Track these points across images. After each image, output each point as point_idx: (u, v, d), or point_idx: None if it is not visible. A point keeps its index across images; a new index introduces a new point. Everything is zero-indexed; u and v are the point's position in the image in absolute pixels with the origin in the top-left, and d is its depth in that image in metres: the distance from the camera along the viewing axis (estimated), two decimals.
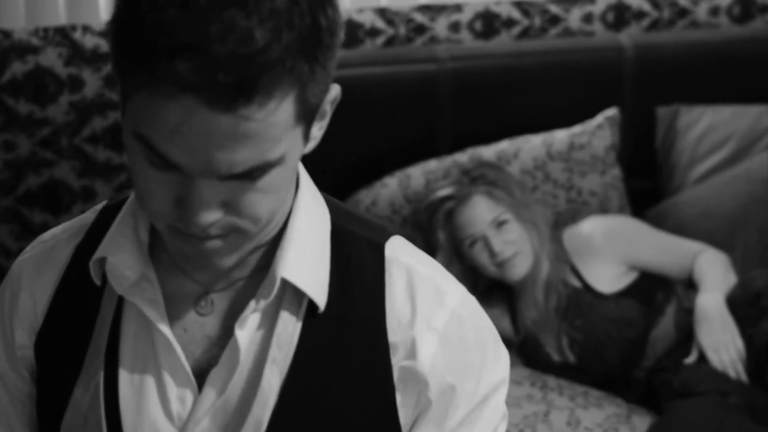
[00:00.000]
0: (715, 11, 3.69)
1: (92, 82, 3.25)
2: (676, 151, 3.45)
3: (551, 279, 2.98)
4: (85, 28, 3.21)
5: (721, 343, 2.83)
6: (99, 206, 1.44)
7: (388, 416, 1.34)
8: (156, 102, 1.11)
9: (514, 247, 2.94)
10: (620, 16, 3.61)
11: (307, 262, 1.31)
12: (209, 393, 1.31)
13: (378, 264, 1.35)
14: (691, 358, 2.86)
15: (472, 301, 1.40)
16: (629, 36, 3.49)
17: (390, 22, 3.42)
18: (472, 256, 2.98)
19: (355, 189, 3.24)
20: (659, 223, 3.25)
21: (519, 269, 2.95)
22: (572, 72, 3.41)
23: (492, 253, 2.94)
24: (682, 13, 3.66)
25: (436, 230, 3.02)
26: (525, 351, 3.04)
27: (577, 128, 3.30)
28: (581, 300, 2.99)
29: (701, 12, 3.67)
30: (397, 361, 1.33)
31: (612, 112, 3.34)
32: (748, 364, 2.81)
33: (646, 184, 3.49)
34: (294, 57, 1.12)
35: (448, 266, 3.04)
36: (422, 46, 3.44)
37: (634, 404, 2.87)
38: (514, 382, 2.89)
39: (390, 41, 3.44)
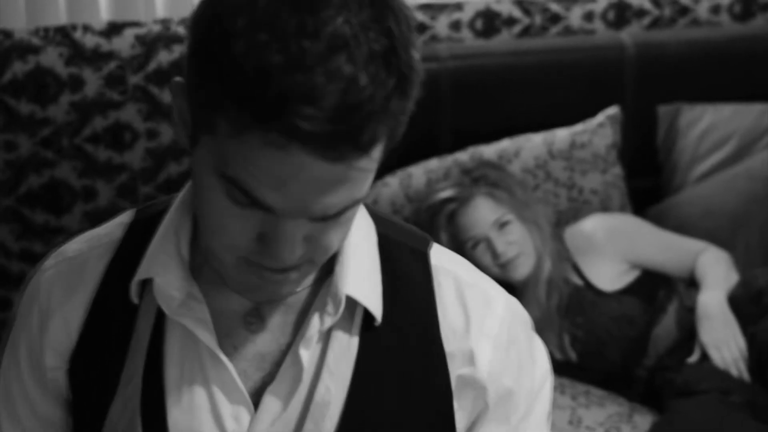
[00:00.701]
0: (716, 9, 3.68)
1: (93, 81, 3.25)
2: (678, 149, 3.45)
3: (553, 277, 2.98)
4: (86, 28, 3.21)
5: (723, 341, 2.83)
6: (123, 219, 1.41)
7: (445, 423, 1.35)
8: (261, 151, 1.09)
9: (517, 248, 2.94)
10: (621, 15, 3.61)
11: (363, 275, 1.31)
12: (268, 410, 1.30)
13: (425, 273, 1.36)
14: (693, 357, 2.86)
15: (515, 302, 1.42)
16: (630, 34, 3.48)
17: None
18: (475, 258, 2.97)
19: None
20: (661, 221, 3.25)
21: (522, 270, 2.95)
22: (573, 70, 3.40)
23: (495, 255, 2.93)
24: (683, 11, 3.66)
25: (438, 232, 3.02)
26: None
27: (578, 127, 3.30)
28: (583, 298, 2.98)
29: (702, 10, 3.67)
30: (455, 369, 1.34)
31: (613, 110, 3.34)
32: (749, 362, 2.81)
33: (648, 182, 3.49)
34: (394, 101, 1.12)
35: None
36: (423, 45, 3.43)
37: (636, 403, 2.87)
38: None
39: None
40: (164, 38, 3.28)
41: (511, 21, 3.51)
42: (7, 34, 3.17)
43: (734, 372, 2.79)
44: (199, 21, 1.14)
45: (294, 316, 1.32)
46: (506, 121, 3.34)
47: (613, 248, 3.04)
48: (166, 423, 1.31)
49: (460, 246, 2.99)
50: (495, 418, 1.37)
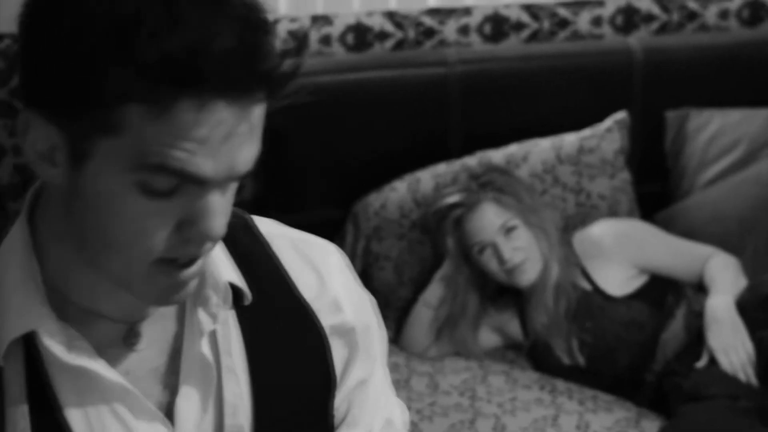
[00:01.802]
0: (724, 14, 3.68)
1: None
2: (686, 154, 3.45)
3: (561, 283, 2.98)
4: None
5: (731, 346, 2.83)
6: None
7: (326, 373, 1.40)
8: (183, 120, 1.09)
9: (523, 254, 2.94)
10: (629, 20, 3.61)
11: (225, 260, 1.33)
12: (186, 419, 1.29)
13: (260, 243, 1.38)
14: (701, 362, 2.86)
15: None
16: (638, 39, 3.49)
17: (399, 25, 3.42)
18: (482, 263, 2.98)
19: (364, 192, 3.24)
20: (669, 226, 3.25)
21: (528, 275, 2.96)
22: (581, 75, 3.40)
23: (501, 260, 2.94)
24: (692, 16, 3.66)
25: (445, 237, 3.03)
26: (535, 355, 3.04)
27: (586, 132, 3.30)
28: (591, 303, 2.99)
29: (710, 15, 3.67)
30: (326, 321, 1.39)
31: (621, 115, 3.34)
32: (758, 368, 2.81)
33: (656, 187, 3.49)
34: (272, 59, 1.13)
35: (457, 271, 3.05)
36: (431, 50, 3.44)
37: (643, 408, 2.87)
38: (523, 386, 2.89)
39: (399, 45, 3.44)
40: None
41: (519, 26, 3.52)
42: (16, 38, 3.16)
43: (742, 377, 2.79)
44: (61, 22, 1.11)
45: (172, 322, 1.31)
46: (514, 126, 3.34)
47: (622, 253, 3.04)
48: None
49: (467, 250, 2.99)
50: (360, 356, 1.43)
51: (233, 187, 1.18)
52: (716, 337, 2.85)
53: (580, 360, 2.95)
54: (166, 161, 1.10)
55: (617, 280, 3.03)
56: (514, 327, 3.09)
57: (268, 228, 1.41)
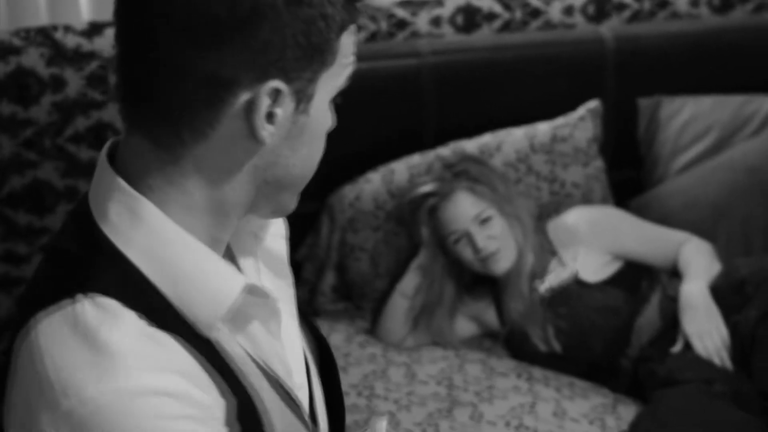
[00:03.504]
0: (695, 2, 3.70)
1: (75, 81, 3.25)
2: (659, 141, 3.47)
3: (536, 270, 2.99)
4: (67, 28, 3.21)
5: (706, 330, 2.84)
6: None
7: None
8: (350, 33, 1.31)
9: (498, 243, 2.95)
10: (601, 8, 3.62)
11: None
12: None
13: None
14: (676, 347, 2.87)
15: None
16: (610, 28, 3.50)
17: (371, 17, 3.42)
18: (457, 252, 2.99)
19: (338, 184, 3.25)
20: (643, 213, 3.27)
21: (502, 264, 2.97)
22: (554, 65, 3.42)
23: (475, 249, 2.95)
24: (663, 4, 3.67)
25: (419, 226, 3.03)
26: (511, 343, 3.06)
27: (559, 120, 3.31)
28: (567, 290, 3.00)
29: (682, 3, 3.68)
30: None
31: (594, 104, 3.35)
32: (732, 352, 2.82)
33: (629, 175, 3.51)
34: None
35: (433, 261, 3.05)
36: (404, 41, 3.44)
37: (620, 394, 2.88)
38: (500, 374, 2.90)
39: (372, 37, 3.44)
40: None
41: (491, 16, 3.52)
42: None
43: (717, 362, 2.80)
44: None
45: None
46: (488, 116, 3.35)
47: (596, 239, 3.06)
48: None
49: (442, 240, 3.00)
50: None
51: None
52: (691, 322, 2.87)
53: (556, 347, 2.96)
54: (353, 66, 1.33)
55: (592, 266, 3.04)
56: (490, 315, 3.10)
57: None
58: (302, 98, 1.26)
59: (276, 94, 1.23)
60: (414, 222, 3.05)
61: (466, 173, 3.00)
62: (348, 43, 1.30)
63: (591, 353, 2.93)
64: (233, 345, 1.28)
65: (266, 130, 1.24)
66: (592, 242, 3.06)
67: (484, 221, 2.96)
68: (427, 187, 3.02)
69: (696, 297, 2.90)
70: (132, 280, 1.22)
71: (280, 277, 1.49)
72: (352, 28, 1.30)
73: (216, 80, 1.20)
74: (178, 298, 1.24)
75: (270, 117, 1.24)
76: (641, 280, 3.03)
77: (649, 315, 2.96)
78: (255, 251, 1.46)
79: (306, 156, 1.32)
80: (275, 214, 1.37)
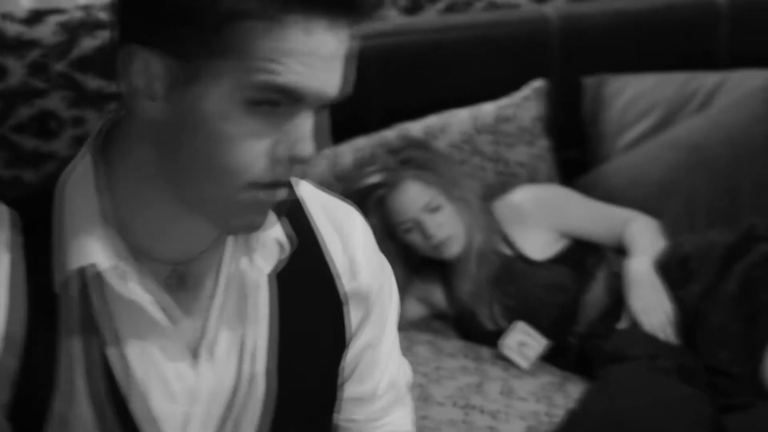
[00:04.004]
0: None
1: (16, 70, 3.23)
2: (603, 120, 3.48)
3: (484, 250, 3.00)
4: (6, 16, 3.18)
5: (651, 306, 2.86)
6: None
7: (340, 335, 1.48)
8: (291, 39, 1.18)
9: (448, 229, 2.96)
10: None
11: (272, 215, 1.38)
12: (210, 363, 1.37)
13: (298, 203, 1.44)
14: (622, 323, 2.89)
15: (359, 213, 1.55)
16: (554, 7, 3.51)
17: None
18: (407, 240, 2.99)
19: None
20: (588, 192, 3.28)
21: (454, 248, 2.98)
22: (498, 45, 3.42)
23: (427, 237, 2.95)
24: None
25: (367, 216, 3.02)
26: (460, 323, 3.07)
27: (503, 101, 3.32)
28: (513, 268, 3.01)
29: None
30: (345, 284, 1.46)
31: (538, 83, 3.36)
32: (678, 326, 2.85)
33: (575, 154, 3.52)
34: None
35: (381, 246, 3.05)
36: None
37: (568, 372, 2.90)
38: (448, 354, 2.91)
39: None
40: (87, 24, 3.26)
41: None
42: None
43: (662, 336, 2.83)
44: None
45: (213, 269, 1.38)
46: (434, 98, 3.35)
47: (542, 218, 3.07)
48: (128, 406, 1.34)
49: (392, 228, 3.00)
50: (370, 321, 1.49)
51: (317, 114, 1.26)
52: (636, 298, 2.89)
53: (504, 324, 2.97)
54: (271, 78, 1.18)
55: (538, 244, 3.06)
56: (439, 296, 3.11)
57: (307, 191, 1.46)
58: (179, 76, 1.20)
59: (138, 57, 1.21)
60: (362, 212, 3.04)
61: (412, 161, 2.99)
62: (266, 47, 1.18)
63: (538, 330, 2.94)
64: (69, 310, 1.31)
65: (140, 93, 1.23)
66: (539, 220, 3.07)
67: (434, 209, 2.96)
68: (373, 178, 3.00)
69: (641, 273, 2.92)
70: (36, 202, 1.33)
71: (239, 320, 1.40)
72: (282, 35, 1.18)
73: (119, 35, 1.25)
74: (57, 239, 1.31)
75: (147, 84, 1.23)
76: (587, 257, 3.04)
77: (596, 292, 2.98)
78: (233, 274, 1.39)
79: (194, 151, 1.24)
80: (213, 218, 1.30)
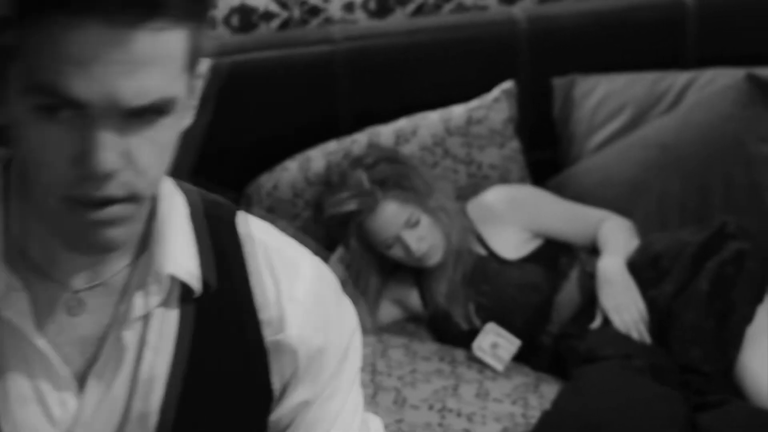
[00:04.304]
0: None
1: None
2: (574, 120, 3.49)
3: (460, 251, 3.01)
4: None
5: (623, 304, 2.87)
6: None
7: (262, 388, 1.39)
8: (60, 38, 1.10)
9: (429, 240, 2.96)
10: None
11: (180, 249, 1.32)
12: (93, 392, 1.31)
13: (235, 243, 1.37)
14: (595, 323, 2.90)
15: (321, 264, 1.45)
16: (522, 9, 3.51)
17: (283, 5, 3.41)
18: (389, 254, 2.99)
19: (255, 174, 3.24)
20: (560, 192, 3.28)
21: (435, 258, 2.99)
22: (468, 47, 3.42)
23: (408, 251, 2.96)
24: None
25: (348, 240, 3.01)
26: (435, 324, 3.07)
27: (474, 103, 3.32)
28: (487, 267, 3.02)
29: None
30: (268, 335, 1.37)
31: (508, 85, 3.36)
32: (650, 325, 2.86)
33: (546, 155, 3.52)
34: None
35: (358, 257, 3.04)
36: (317, 28, 3.43)
37: (542, 372, 2.90)
38: (423, 358, 2.91)
39: (285, 24, 3.43)
40: None
41: (404, 0, 3.52)
42: None
43: (635, 335, 2.84)
44: None
45: (115, 297, 1.31)
46: (404, 101, 3.35)
47: (515, 217, 3.08)
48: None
49: (374, 247, 2.99)
50: (305, 379, 1.40)
51: (148, 130, 1.16)
52: (608, 297, 2.90)
53: (477, 323, 2.98)
54: (41, 79, 1.11)
55: (511, 243, 3.06)
56: (414, 299, 3.11)
57: (249, 229, 1.39)
58: None
59: None
60: (340, 235, 3.03)
61: (386, 181, 2.97)
62: (43, 50, 1.11)
63: (512, 330, 2.95)
64: None
65: None
66: (511, 219, 3.08)
67: (413, 225, 2.95)
68: (350, 205, 2.98)
69: (613, 272, 2.93)
70: None
71: (134, 352, 1.32)
72: (56, 37, 1.10)
73: None
74: None
75: None
76: (560, 257, 3.05)
77: (569, 291, 2.99)
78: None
79: (23, 164, 1.20)
80: (58, 237, 1.24)
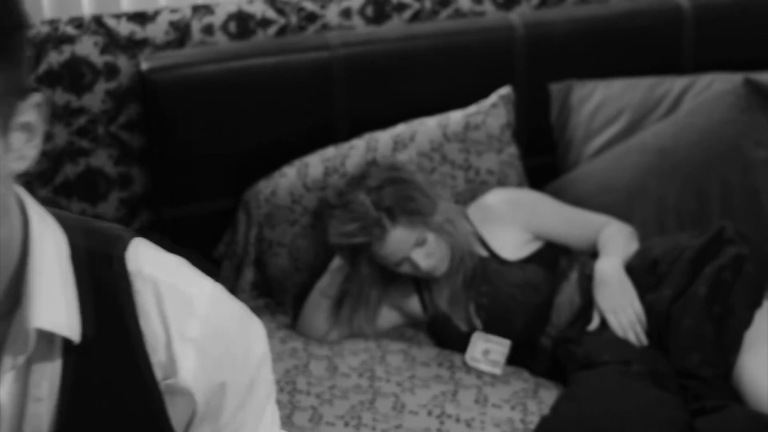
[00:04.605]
0: None
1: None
2: (571, 126, 3.49)
3: (463, 256, 3.01)
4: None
5: (620, 306, 2.88)
6: None
7: (161, 429, 1.33)
8: None
9: (436, 255, 2.96)
10: None
11: (54, 298, 1.25)
12: None
13: (124, 281, 1.30)
14: (593, 325, 2.90)
15: (220, 293, 1.37)
16: (519, 14, 3.52)
17: (281, 11, 3.41)
18: (398, 271, 2.99)
19: (253, 180, 3.24)
20: (558, 198, 3.28)
21: (442, 269, 2.99)
22: (465, 53, 3.43)
23: (417, 269, 2.96)
24: None
25: (358, 267, 3.00)
26: (434, 328, 3.07)
27: (471, 108, 3.32)
28: (488, 268, 3.02)
29: None
30: (162, 378, 1.31)
31: (506, 90, 3.37)
32: (648, 330, 2.86)
33: (544, 160, 3.53)
34: None
35: (363, 274, 3.02)
36: (314, 34, 3.43)
37: (540, 378, 2.90)
38: (421, 363, 2.92)
39: (282, 31, 3.43)
40: (54, 39, 3.25)
41: (401, 6, 3.53)
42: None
43: (632, 337, 2.84)
44: None
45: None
46: (401, 107, 3.36)
47: (516, 217, 3.09)
48: None
49: (384, 266, 2.99)
50: (207, 418, 1.35)
51: None
52: (604, 298, 2.90)
53: (478, 324, 2.98)
54: None
55: (511, 244, 3.07)
56: (413, 305, 3.11)
57: (140, 265, 1.32)
58: None
59: None
60: (345, 259, 3.01)
61: (391, 208, 2.93)
62: None
63: (512, 330, 2.95)
64: None
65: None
66: (512, 220, 3.09)
67: (421, 243, 2.95)
68: (358, 238, 2.94)
69: (609, 274, 2.93)
70: None
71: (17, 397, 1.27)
72: None
73: None
74: None
75: None
76: (560, 259, 3.06)
77: (568, 292, 2.99)
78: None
79: None
80: None
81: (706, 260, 2.87)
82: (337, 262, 3.05)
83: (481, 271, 3.03)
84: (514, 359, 2.95)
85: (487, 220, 3.10)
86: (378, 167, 3.09)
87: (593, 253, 3.08)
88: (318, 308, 3.08)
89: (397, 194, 2.95)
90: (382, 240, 2.92)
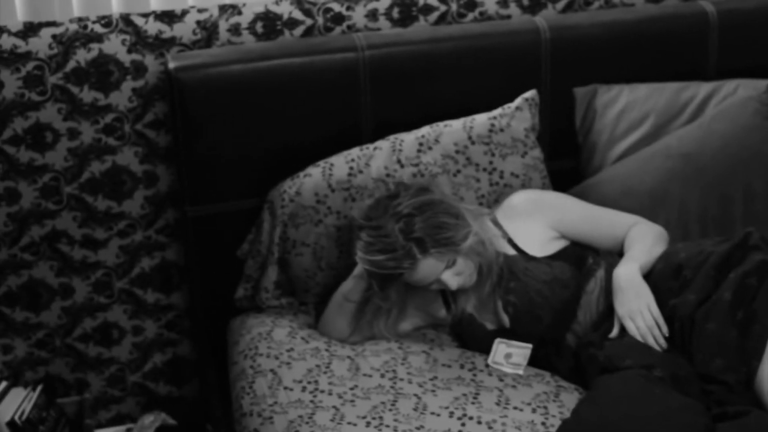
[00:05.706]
0: None
1: (11, 83, 3.25)
2: (596, 130, 3.50)
3: (491, 264, 3.00)
4: (2, 29, 3.19)
5: (636, 311, 2.88)
6: None
7: None
8: None
9: (466, 272, 2.95)
10: None
11: None
12: None
13: None
14: (613, 332, 2.91)
15: None
16: (545, 18, 3.52)
17: (307, 12, 3.42)
18: (431, 288, 3.00)
19: (278, 179, 3.25)
20: None
21: (471, 282, 2.99)
22: (490, 56, 3.43)
23: (447, 287, 2.95)
24: None
25: (387, 291, 3.00)
26: (458, 328, 3.07)
27: (497, 111, 3.33)
28: (515, 265, 3.02)
29: None
30: None
31: (531, 94, 3.37)
32: (672, 334, 2.86)
33: (567, 164, 3.54)
34: None
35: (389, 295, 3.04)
36: (340, 35, 3.45)
37: (562, 381, 2.91)
38: (443, 365, 2.92)
39: (308, 31, 3.44)
40: (82, 37, 3.27)
41: (427, 9, 3.54)
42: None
43: (651, 341, 2.84)
44: None
45: None
46: (426, 109, 3.37)
47: (541, 215, 3.10)
48: None
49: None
50: None
51: None
52: (621, 304, 2.91)
53: (505, 320, 2.99)
54: None
55: (538, 241, 3.07)
56: (437, 307, 3.11)
57: None
58: None
59: None
60: (378, 286, 2.99)
61: (422, 240, 2.88)
62: None
63: (539, 325, 2.96)
64: None
65: None
66: (537, 217, 3.09)
67: (450, 266, 2.94)
68: (388, 269, 2.89)
69: (624, 279, 2.93)
70: None
71: None
72: None
73: None
74: None
75: None
76: (586, 257, 3.07)
77: (594, 289, 3.01)
78: None
79: None
80: None
81: (731, 266, 2.87)
82: (360, 268, 3.04)
83: (508, 269, 3.03)
84: (538, 357, 2.96)
85: (513, 218, 3.11)
86: (407, 190, 3.03)
87: (620, 253, 3.08)
88: (340, 311, 3.09)
89: (427, 224, 2.90)
90: (414, 269, 2.91)
